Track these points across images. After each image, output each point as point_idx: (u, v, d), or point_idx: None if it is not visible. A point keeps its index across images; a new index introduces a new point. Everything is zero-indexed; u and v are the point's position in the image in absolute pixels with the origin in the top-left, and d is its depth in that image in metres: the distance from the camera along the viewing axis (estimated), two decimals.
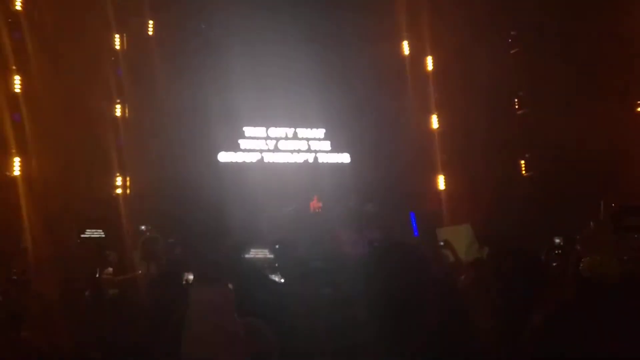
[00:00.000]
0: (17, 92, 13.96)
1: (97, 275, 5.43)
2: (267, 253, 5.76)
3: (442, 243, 7.97)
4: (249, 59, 16.94)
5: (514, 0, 16.68)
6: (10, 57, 13.88)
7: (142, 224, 12.63)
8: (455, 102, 16.87)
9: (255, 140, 18.31)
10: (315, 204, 16.39)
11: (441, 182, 17.36)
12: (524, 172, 17.16)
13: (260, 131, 18.36)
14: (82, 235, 12.00)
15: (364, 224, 15.12)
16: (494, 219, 14.97)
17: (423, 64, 17.73)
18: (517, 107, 17.22)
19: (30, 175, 13.82)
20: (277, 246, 6.33)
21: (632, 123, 15.37)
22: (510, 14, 16.82)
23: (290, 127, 18.60)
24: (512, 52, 17.06)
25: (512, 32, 17.12)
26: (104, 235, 11.70)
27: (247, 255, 5.80)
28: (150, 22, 17.11)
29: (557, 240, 10.76)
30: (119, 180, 15.51)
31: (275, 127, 18.50)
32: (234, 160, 17.89)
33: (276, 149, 18.42)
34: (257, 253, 5.74)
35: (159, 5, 16.78)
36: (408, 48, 17.96)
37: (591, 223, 6.28)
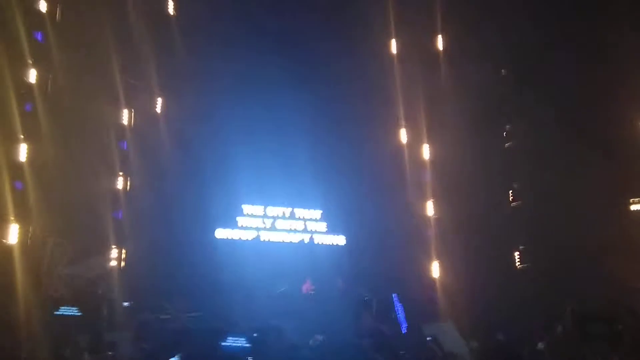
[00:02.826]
0: (23, 162, 14.32)
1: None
2: (244, 342, 5.71)
3: (429, 338, 7.98)
4: (250, 139, 17.38)
5: (509, 96, 17.29)
6: (19, 126, 14.31)
7: (130, 300, 12.55)
8: (450, 191, 17.13)
9: (252, 218, 18.46)
10: (308, 287, 16.39)
11: (435, 270, 17.32)
12: (517, 265, 17.14)
13: (258, 209, 18.53)
14: (56, 313, 11.94)
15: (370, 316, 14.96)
16: (486, 311, 14.96)
17: (420, 152, 18.12)
18: (511, 199, 17.44)
19: (26, 243, 13.99)
20: (255, 334, 6.29)
21: (628, 220, 15.53)
22: (505, 108, 17.38)
23: (287, 207, 18.80)
24: (506, 145, 17.51)
25: (507, 126, 17.57)
26: (79, 314, 11.59)
27: (223, 343, 5.77)
28: (159, 99, 17.64)
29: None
30: (114, 253, 15.52)
31: (273, 206, 18.70)
32: (230, 237, 17.99)
33: (273, 228, 18.52)
34: (234, 341, 5.68)
35: (166, 84, 17.35)
36: (406, 136, 18.37)
37: (558, 328, 6.34)
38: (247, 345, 5.80)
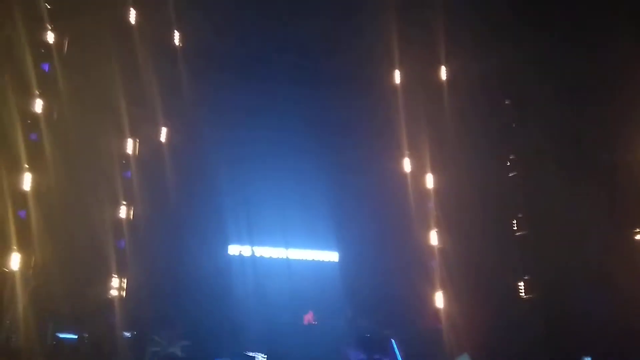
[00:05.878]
0: (26, 190, 14.41)
1: None
2: None
3: None
4: (256, 172, 17.49)
5: (513, 126, 17.31)
6: (22, 155, 14.46)
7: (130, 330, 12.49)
8: (455, 220, 17.05)
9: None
10: (310, 318, 16.27)
11: (439, 301, 17.11)
12: (523, 294, 16.91)
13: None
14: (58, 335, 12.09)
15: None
16: (492, 344, 14.79)
17: (423, 182, 18.07)
18: (515, 229, 17.30)
19: (28, 271, 14.02)
20: None
21: (631, 251, 15.33)
22: (509, 138, 17.39)
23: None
24: (510, 175, 17.45)
25: (511, 156, 17.54)
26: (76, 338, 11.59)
27: None
28: (163, 128, 17.72)
29: None
30: (115, 282, 15.43)
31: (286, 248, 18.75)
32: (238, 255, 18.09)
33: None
34: None
35: (173, 114, 17.46)
36: (409, 165, 18.33)
37: None
38: None
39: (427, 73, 18.36)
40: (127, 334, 13.43)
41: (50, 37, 15.46)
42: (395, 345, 14.61)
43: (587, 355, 12.70)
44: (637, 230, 15.13)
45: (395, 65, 18.74)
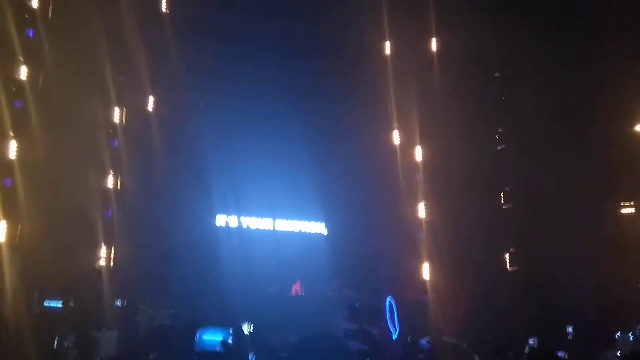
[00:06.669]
0: (11, 158, 14.21)
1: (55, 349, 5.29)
2: (220, 337, 5.68)
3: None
4: (241, 142, 17.36)
5: (503, 100, 17.31)
6: (8, 123, 14.21)
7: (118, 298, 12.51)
8: (441, 193, 17.12)
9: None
10: (297, 288, 16.38)
11: (426, 272, 17.28)
12: (508, 267, 17.14)
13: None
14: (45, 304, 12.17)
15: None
16: (476, 313, 14.99)
17: (412, 155, 18.09)
18: (502, 201, 17.43)
19: (14, 240, 13.90)
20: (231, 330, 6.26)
21: (616, 224, 15.55)
22: (499, 112, 17.38)
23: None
24: (498, 147, 17.51)
25: (499, 129, 17.57)
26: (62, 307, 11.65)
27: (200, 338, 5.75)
28: (151, 97, 17.49)
29: (531, 342, 10.94)
30: (103, 252, 15.35)
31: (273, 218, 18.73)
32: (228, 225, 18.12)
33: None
34: (209, 337, 5.65)
35: (160, 82, 17.24)
36: (398, 138, 18.31)
37: None
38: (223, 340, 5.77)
39: (417, 44, 18.24)
40: (114, 303, 13.43)
41: (34, 2, 15.08)
42: (390, 304, 14.58)
43: (570, 325, 12.94)
44: (624, 203, 15.34)
45: (385, 35, 18.57)
